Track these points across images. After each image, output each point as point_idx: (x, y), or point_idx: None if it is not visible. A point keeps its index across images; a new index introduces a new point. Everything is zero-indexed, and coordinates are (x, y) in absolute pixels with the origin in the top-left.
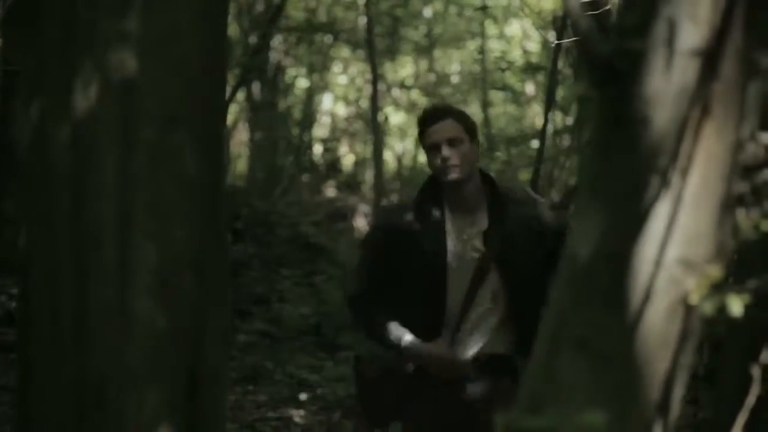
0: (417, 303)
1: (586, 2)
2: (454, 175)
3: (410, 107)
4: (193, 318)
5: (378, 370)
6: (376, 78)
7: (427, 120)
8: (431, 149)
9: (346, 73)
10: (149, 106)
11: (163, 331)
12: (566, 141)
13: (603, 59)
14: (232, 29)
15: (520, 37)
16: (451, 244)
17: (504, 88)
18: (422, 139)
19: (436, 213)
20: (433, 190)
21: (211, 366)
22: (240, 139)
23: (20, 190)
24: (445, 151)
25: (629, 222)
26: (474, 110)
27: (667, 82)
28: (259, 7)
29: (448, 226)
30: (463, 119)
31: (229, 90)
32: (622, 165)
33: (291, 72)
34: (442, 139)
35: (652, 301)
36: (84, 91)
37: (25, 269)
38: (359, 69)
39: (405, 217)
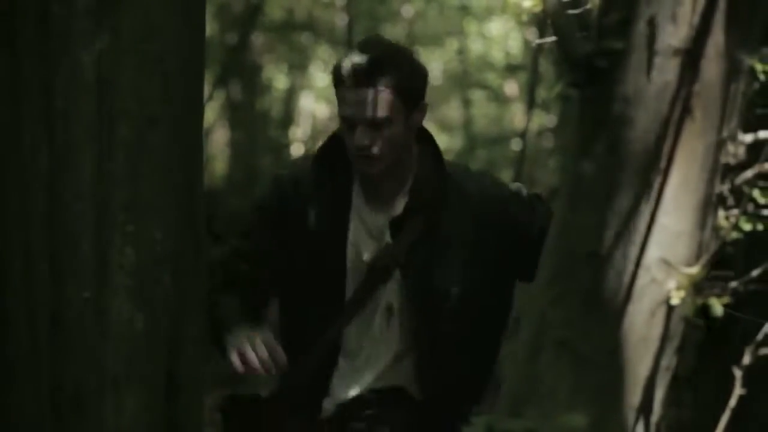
0: (309, 316)
1: (566, 1)
2: (371, 170)
3: None
4: (171, 320)
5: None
6: None
7: (343, 78)
8: (345, 121)
9: (327, 73)
10: (126, 105)
11: (141, 333)
12: (549, 141)
13: (583, 59)
14: (210, 28)
15: (501, 37)
16: (354, 235)
17: (484, 87)
18: (337, 96)
19: (339, 190)
20: (340, 153)
21: (189, 368)
22: (218, 140)
23: None
24: (364, 137)
25: (610, 222)
26: (455, 110)
27: (647, 82)
28: (237, 5)
29: (355, 209)
30: (403, 82)
31: (207, 89)
32: (603, 165)
33: (270, 71)
34: (361, 117)
35: (633, 301)
36: (60, 89)
37: (1, 271)
38: None
39: (298, 191)
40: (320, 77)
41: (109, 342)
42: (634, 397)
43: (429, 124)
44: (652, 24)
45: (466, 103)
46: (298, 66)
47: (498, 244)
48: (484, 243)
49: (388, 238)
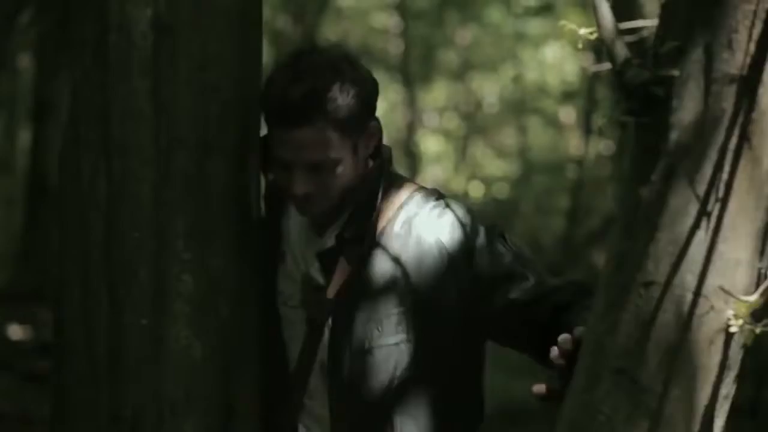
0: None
1: (622, 29)
2: (313, 214)
3: (446, 133)
4: (228, 347)
5: None
6: (412, 103)
7: (271, 114)
8: (278, 163)
9: (384, 99)
10: (183, 133)
11: (199, 361)
12: (606, 168)
13: (639, 87)
14: (266, 55)
15: (557, 63)
16: (286, 269)
17: (540, 114)
18: (267, 131)
19: (273, 213)
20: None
21: (246, 395)
22: None
23: (55, 219)
24: (303, 184)
25: (667, 250)
26: (510, 136)
27: (704, 110)
28: (292, 32)
29: (288, 238)
30: (345, 112)
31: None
32: (660, 193)
33: None
34: (297, 161)
35: (692, 330)
36: (117, 118)
37: (59, 299)
38: (395, 95)
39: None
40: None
41: (167, 369)
42: (692, 426)
43: (485, 151)
44: (708, 51)
45: (522, 129)
46: None
47: (443, 294)
48: (424, 291)
49: (318, 277)
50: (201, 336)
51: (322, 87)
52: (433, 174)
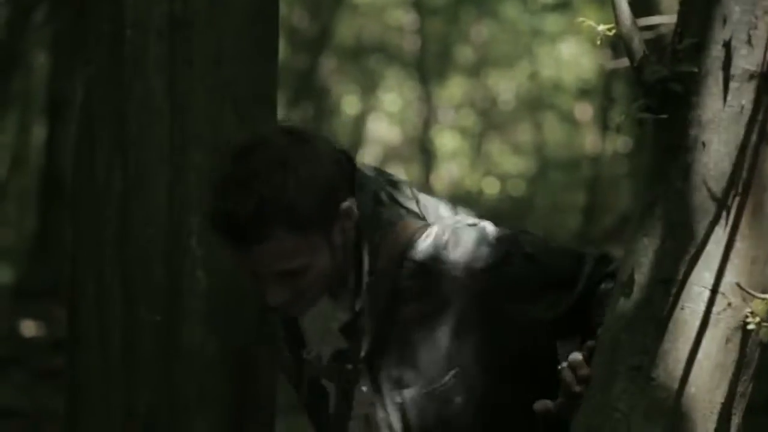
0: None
1: (640, 26)
2: (298, 315)
3: (462, 130)
4: (242, 344)
5: None
6: (428, 99)
7: (222, 235)
8: (246, 274)
9: (399, 96)
10: (199, 130)
11: (213, 357)
12: (622, 165)
13: (658, 83)
14: (281, 52)
15: (573, 60)
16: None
17: (556, 110)
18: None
19: None
20: None
21: (259, 393)
22: None
23: (68, 215)
24: (277, 294)
25: (685, 248)
26: (526, 133)
27: (722, 106)
28: (308, 29)
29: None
30: (304, 217)
31: (278, 113)
32: (678, 190)
33: (339, 95)
34: (261, 272)
35: (709, 327)
36: (133, 114)
37: (73, 296)
38: (410, 91)
39: None
40: (390, 100)
41: (180, 366)
42: (709, 424)
43: (500, 147)
44: (727, 48)
45: (538, 126)
46: (368, 89)
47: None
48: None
49: (341, 343)
50: (214, 333)
51: (273, 194)
52: (448, 171)
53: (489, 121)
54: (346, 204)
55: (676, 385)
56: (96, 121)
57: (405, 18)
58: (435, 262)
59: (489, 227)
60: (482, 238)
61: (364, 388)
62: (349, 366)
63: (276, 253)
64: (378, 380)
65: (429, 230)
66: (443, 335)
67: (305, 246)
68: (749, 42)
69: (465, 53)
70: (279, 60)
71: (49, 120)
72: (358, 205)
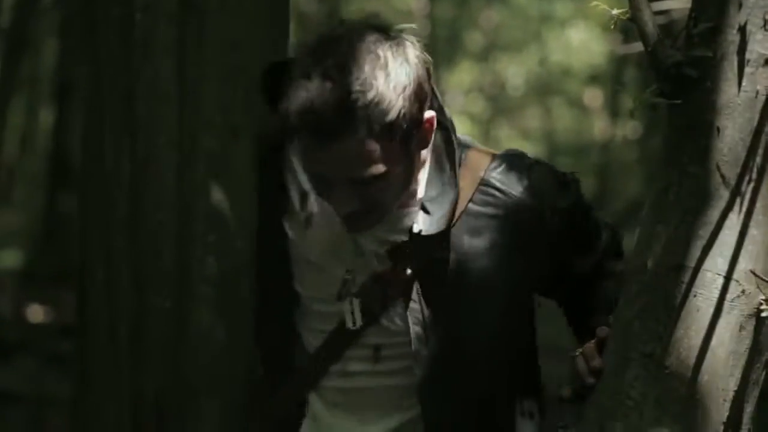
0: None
1: (654, 10)
2: (362, 229)
3: (471, 115)
4: (252, 330)
5: None
6: (437, 84)
7: (298, 126)
8: (317, 182)
9: None
10: (209, 115)
11: (223, 345)
12: (632, 151)
13: (672, 68)
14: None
15: (582, 45)
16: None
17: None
18: (293, 142)
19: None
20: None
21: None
22: None
23: (77, 200)
24: (347, 202)
25: (698, 234)
26: (535, 118)
27: (737, 91)
28: (316, 13)
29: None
30: (389, 120)
31: None
32: (691, 175)
33: None
34: (337, 176)
35: (722, 315)
36: (142, 98)
37: (82, 281)
38: None
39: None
40: None
41: (190, 352)
42: (722, 411)
43: (509, 132)
44: (742, 32)
45: (547, 111)
46: None
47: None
48: (517, 264)
49: (375, 266)
50: (224, 318)
51: (360, 87)
52: None
53: (498, 106)
54: (430, 113)
55: (689, 373)
56: (105, 105)
57: (414, 2)
58: (513, 188)
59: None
60: (553, 172)
61: (396, 319)
62: (390, 289)
63: (353, 156)
64: (424, 303)
65: (501, 157)
66: (504, 262)
67: (385, 154)
68: (764, 27)
69: (474, 38)
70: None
71: (58, 104)
72: (439, 121)
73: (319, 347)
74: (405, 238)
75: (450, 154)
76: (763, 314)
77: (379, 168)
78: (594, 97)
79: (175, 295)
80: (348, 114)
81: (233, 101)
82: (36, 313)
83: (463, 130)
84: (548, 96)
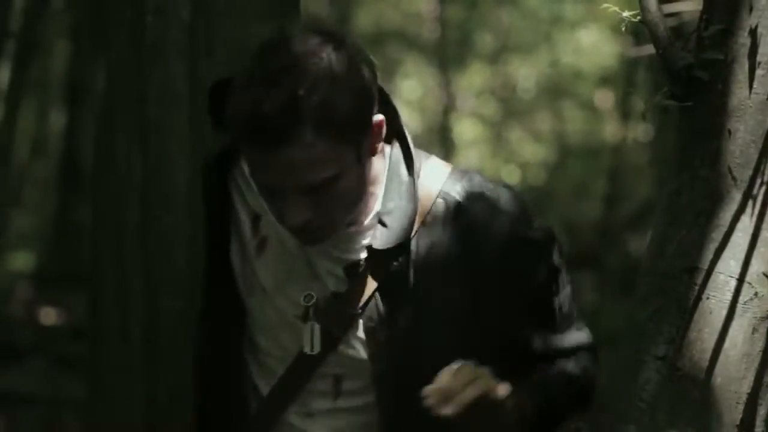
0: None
1: (665, 12)
2: (315, 243)
3: (482, 117)
4: None
5: None
6: (447, 87)
7: (243, 134)
8: (266, 192)
9: (419, 83)
10: None
11: None
12: (643, 154)
13: (683, 70)
14: None
15: (592, 47)
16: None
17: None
18: (242, 151)
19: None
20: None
21: None
22: None
23: (88, 202)
24: (297, 213)
25: (710, 236)
26: (546, 121)
27: (749, 94)
28: (325, 16)
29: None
30: (340, 117)
31: None
32: (703, 178)
33: None
34: (283, 185)
35: (735, 317)
36: (153, 100)
37: (94, 283)
38: (430, 78)
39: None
40: (409, 88)
41: None
42: (735, 414)
43: (521, 134)
44: (753, 35)
45: (558, 114)
46: (387, 76)
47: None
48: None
49: (332, 287)
50: None
51: (305, 91)
52: (467, 158)
53: (509, 108)
54: (379, 117)
55: (701, 375)
56: (116, 107)
57: (424, 5)
58: (480, 205)
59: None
60: (517, 195)
61: (356, 343)
62: (350, 310)
63: (300, 162)
64: (385, 323)
65: (461, 172)
66: (462, 277)
67: (333, 157)
68: None
69: (485, 40)
70: None
71: (69, 106)
72: (397, 132)
73: (277, 382)
74: (361, 256)
75: (409, 166)
76: None
77: (329, 171)
78: (605, 99)
79: (187, 296)
80: (293, 116)
81: None
82: (48, 315)
83: (474, 132)
84: (559, 98)
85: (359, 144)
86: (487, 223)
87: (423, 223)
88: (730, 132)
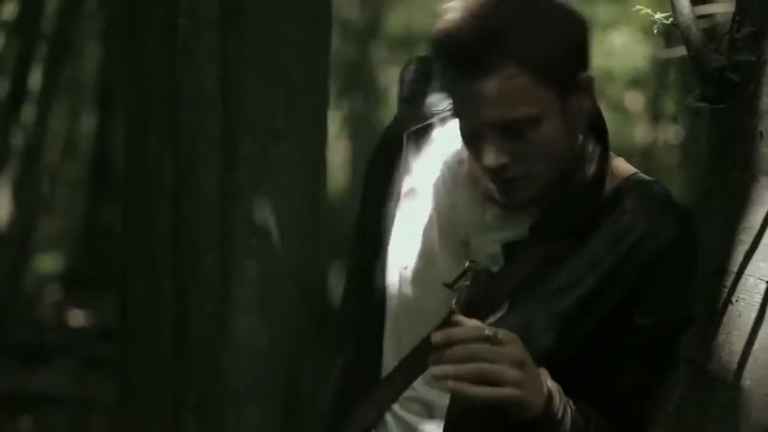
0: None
1: (697, 14)
2: (514, 200)
3: None
4: (294, 336)
5: None
6: None
7: (444, 61)
8: (465, 128)
9: None
10: (251, 118)
11: (264, 347)
12: (673, 156)
13: (715, 72)
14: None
15: (623, 48)
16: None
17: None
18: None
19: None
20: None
21: (310, 382)
22: (340, 153)
23: (119, 204)
24: (495, 153)
25: (741, 238)
26: None
27: None
28: (357, 18)
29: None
30: (543, 51)
31: (331, 102)
32: (734, 180)
33: (389, 84)
34: (485, 121)
35: (765, 319)
36: (185, 102)
37: (124, 285)
38: None
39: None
40: None
41: (231, 355)
42: (764, 416)
43: None
44: None
45: None
46: None
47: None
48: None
49: (490, 264)
50: (266, 323)
51: (510, 22)
52: None
53: None
54: (588, 73)
55: (730, 378)
56: (147, 109)
57: None
58: (645, 212)
59: None
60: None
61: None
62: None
63: (499, 93)
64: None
65: (646, 181)
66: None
67: (535, 94)
68: None
69: None
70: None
71: (100, 108)
72: (597, 114)
73: (411, 351)
74: (523, 236)
75: (603, 155)
76: None
77: (531, 110)
78: (635, 100)
79: (217, 299)
80: (493, 46)
81: (274, 104)
82: (77, 317)
83: None
84: None
85: (564, 92)
86: (658, 237)
87: (596, 221)
88: (761, 134)
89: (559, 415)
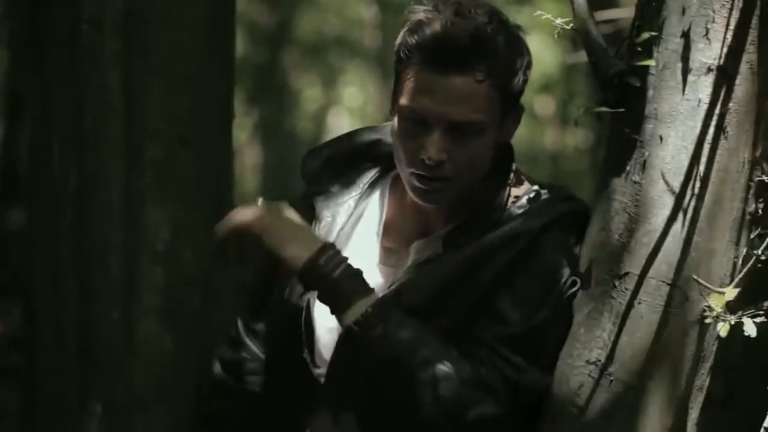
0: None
1: (598, 19)
2: (431, 200)
3: None
4: (201, 339)
5: None
6: (389, 94)
7: (423, 55)
8: (412, 120)
9: (361, 90)
10: (155, 125)
11: (170, 353)
12: (584, 161)
13: (615, 77)
14: (240, 46)
15: (535, 54)
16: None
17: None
18: (403, 80)
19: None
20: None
21: None
22: (250, 159)
23: (24, 212)
24: (438, 147)
25: (643, 241)
26: None
27: (680, 100)
28: (267, 24)
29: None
30: (506, 72)
31: (238, 108)
32: (636, 184)
33: (299, 89)
34: (443, 116)
35: (666, 321)
36: (89, 109)
37: (29, 292)
38: (371, 86)
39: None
40: (351, 95)
41: (137, 362)
42: (667, 418)
43: None
44: (685, 41)
45: None
46: (329, 84)
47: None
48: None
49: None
50: (172, 329)
51: (491, 32)
52: None
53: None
54: (521, 105)
55: (634, 380)
56: (52, 117)
57: (366, 12)
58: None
59: None
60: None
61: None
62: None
63: (467, 95)
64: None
65: (543, 193)
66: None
67: (491, 106)
68: (707, 35)
69: None
70: (237, 54)
71: (6, 116)
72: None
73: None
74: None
75: (505, 174)
76: (707, 321)
77: (483, 117)
78: (546, 106)
79: (123, 305)
80: (477, 50)
81: (178, 111)
82: None
83: None
84: None
85: (507, 111)
86: (537, 248)
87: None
88: (661, 138)
89: (329, 268)
